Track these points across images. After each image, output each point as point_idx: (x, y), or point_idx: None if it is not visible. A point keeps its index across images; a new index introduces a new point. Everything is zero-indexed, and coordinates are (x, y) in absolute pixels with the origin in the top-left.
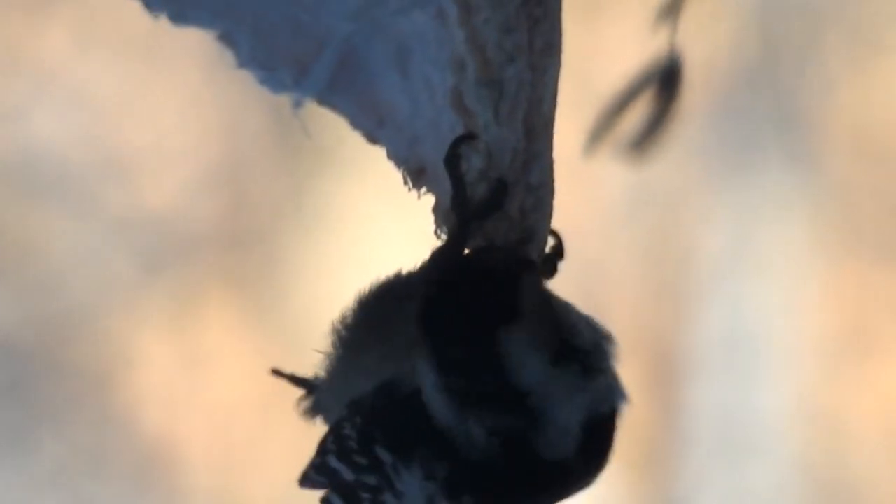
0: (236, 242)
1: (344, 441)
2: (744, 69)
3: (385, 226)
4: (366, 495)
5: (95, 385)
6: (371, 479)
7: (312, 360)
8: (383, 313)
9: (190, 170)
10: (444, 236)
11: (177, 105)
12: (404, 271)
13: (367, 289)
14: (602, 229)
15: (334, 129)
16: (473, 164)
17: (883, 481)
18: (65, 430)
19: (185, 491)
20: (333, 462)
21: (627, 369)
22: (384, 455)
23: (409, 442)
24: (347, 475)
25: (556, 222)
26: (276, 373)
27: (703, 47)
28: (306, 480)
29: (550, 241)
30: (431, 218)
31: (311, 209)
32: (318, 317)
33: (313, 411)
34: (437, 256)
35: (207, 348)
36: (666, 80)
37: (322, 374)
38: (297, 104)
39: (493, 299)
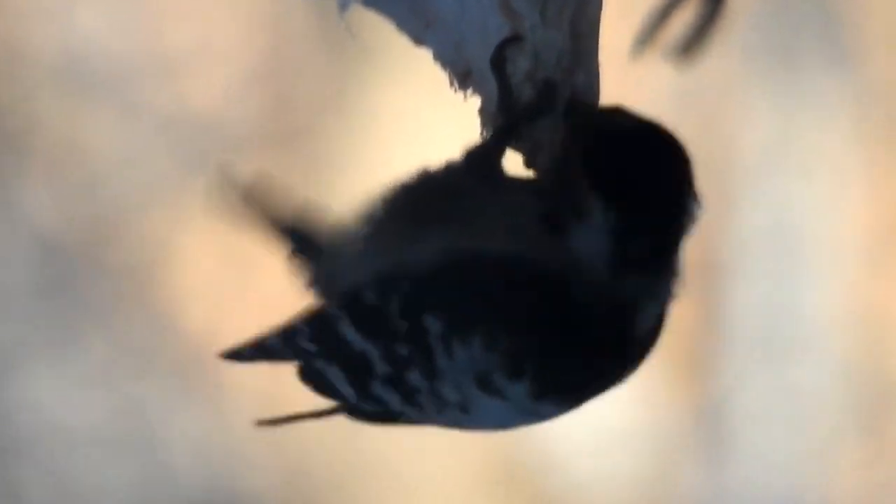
0: (280, 142)
1: (366, 308)
2: None
3: (430, 127)
4: (384, 368)
5: (140, 284)
6: (402, 349)
7: None
8: (424, 199)
9: (234, 69)
10: (487, 136)
11: (222, 4)
12: (445, 163)
13: (402, 179)
14: None
15: (380, 31)
16: (520, 65)
17: None
18: (110, 329)
19: (230, 387)
20: (345, 329)
21: None
22: (433, 324)
23: (475, 310)
24: (360, 344)
25: None
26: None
27: None
28: (256, 351)
29: None
30: (478, 119)
31: (356, 109)
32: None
33: (312, 279)
34: (474, 152)
35: (250, 246)
36: None
37: (340, 245)
38: (344, 6)
39: (675, 157)
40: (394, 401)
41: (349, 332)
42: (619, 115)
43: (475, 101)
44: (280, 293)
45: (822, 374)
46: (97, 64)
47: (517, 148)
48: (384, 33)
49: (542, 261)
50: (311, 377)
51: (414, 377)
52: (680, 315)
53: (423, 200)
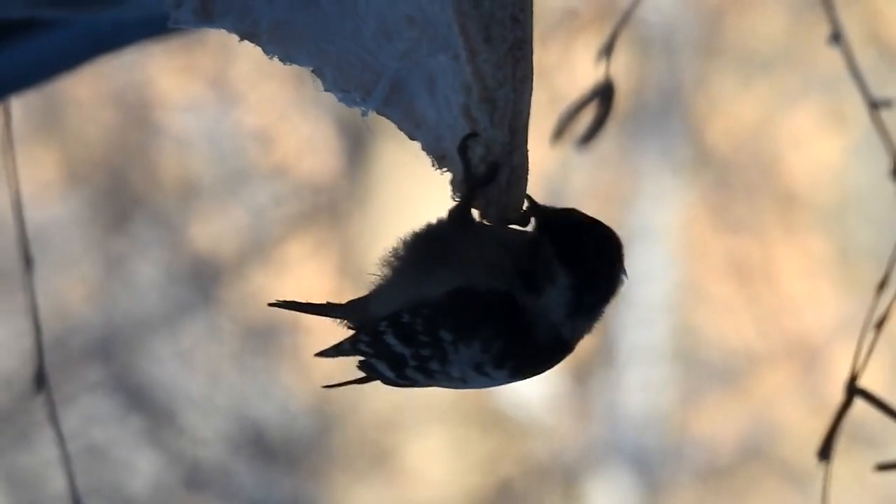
0: (335, 204)
1: (402, 325)
2: (654, 93)
3: (421, 192)
4: (413, 362)
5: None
6: (426, 351)
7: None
8: (427, 248)
9: (291, 158)
10: (457, 198)
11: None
12: (434, 220)
13: (410, 233)
14: (554, 197)
15: (389, 131)
16: (476, 152)
17: None
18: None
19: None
20: (389, 339)
21: None
22: (446, 335)
23: (473, 326)
24: (399, 348)
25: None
26: (280, 304)
27: (627, 76)
28: (336, 351)
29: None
30: (450, 188)
31: (373, 184)
32: (377, 251)
33: (355, 321)
34: (453, 211)
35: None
36: (603, 97)
37: (373, 290)
38: (364, 114)
39: (612, 244)
40: (419, 378)
41: (392, 340)
42: (574, 213)
43: (448, 176)
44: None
45: (665, 358)
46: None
47: (475, 206)
48: (391, 132)
49: (502, 290)
50: (367, 367)
51: (433, 365)
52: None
53: (426, 248)
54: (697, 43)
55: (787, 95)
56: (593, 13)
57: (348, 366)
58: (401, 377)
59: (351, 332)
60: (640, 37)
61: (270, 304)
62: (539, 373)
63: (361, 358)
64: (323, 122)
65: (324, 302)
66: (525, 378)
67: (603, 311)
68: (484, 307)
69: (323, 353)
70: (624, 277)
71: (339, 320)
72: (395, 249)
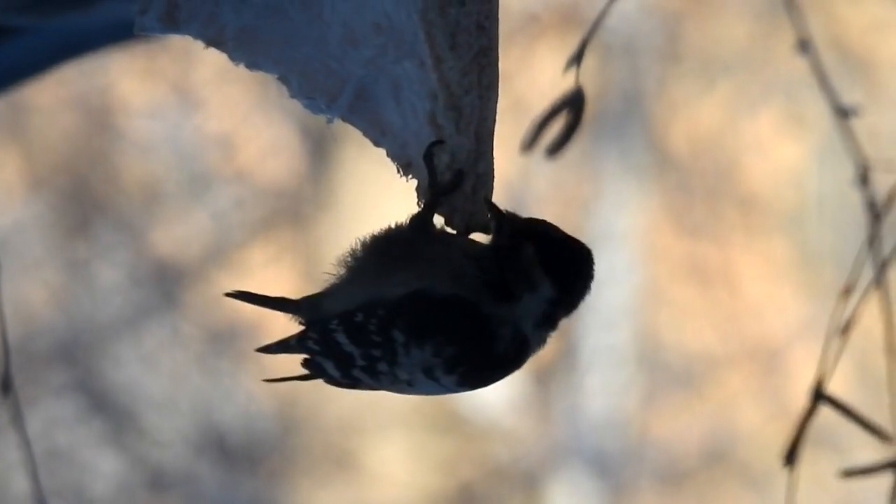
0: (297, 208)
1: (355, 325)
2: (616, 97)
3: (385, 197)
4: (361, 362)
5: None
6: (376, 352)
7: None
8: (387, 250)
9: (254, 156)
10: (422, 204)
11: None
12: (394, 224)
13: (369, 235)
14: (515, 201)
15: (353, 136)
16: (442, 159)
17: None
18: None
19: (264, 363)
20: (339, 337)
21: None
22: (399, 336)
23: (429, 329)
24: (349, 347)
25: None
26: (234, 294)
27: (590, 81)
28: (280, 347)
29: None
30: (415, 195)
31: (337, 188)
32: (339, 248)
33: (307, 318)
34: (416, 217)
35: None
36: (573, 106)
37: (327, 288)
38: (329, 121)
39: (592, 263)
40: (364, 378)
41: (342, 339)
42: (550, 225)
43: (413, 182)
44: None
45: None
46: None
47: (440, 212)
48: (356, 139)
49: (464, 297)
50: (312, 365)
51: (381, 366)
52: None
53: (387, 250)
54: (659, 48)
55: (748, 100)
56: (554, 18)
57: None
58: (345, 377)
59: (296, 325)
60: (603, 42)
61: (226, 294)
62: (488, 384)
63: (307, 357)
64: (286, 127)
65: (278, 297)
66: (472, 388)
67: (559, 322)
68: (443, 312)
69: (266, 349)
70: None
71: (293, 317)
72: (352, 250)
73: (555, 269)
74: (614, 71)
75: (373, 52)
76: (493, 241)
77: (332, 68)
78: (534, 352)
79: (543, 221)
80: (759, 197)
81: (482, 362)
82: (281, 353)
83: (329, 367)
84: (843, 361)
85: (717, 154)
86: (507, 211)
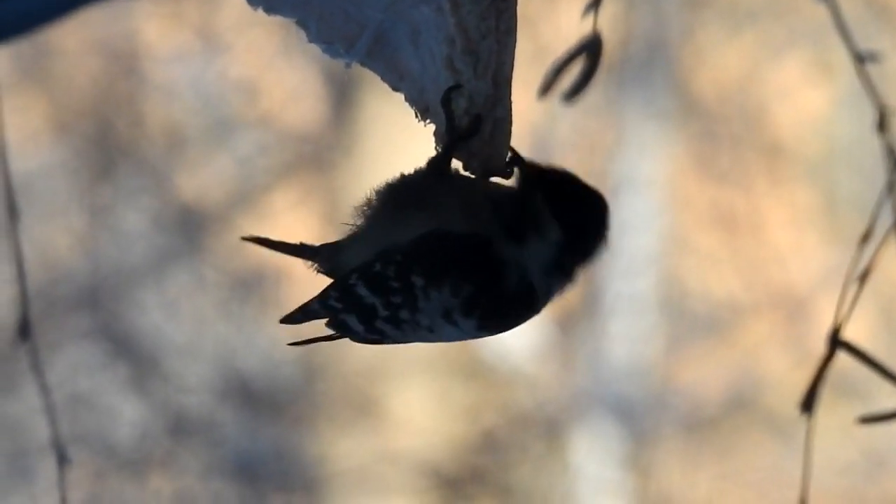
0: (320, 153)
1: (374, 275)
2: (640, 44)
3: (407, 142)
4: (383, 312)
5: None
6: (396, 298)
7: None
8: (403, 195)
9: (279, 102)
10: (440, 150)
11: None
12: (411, 170)
13: (384, 183)
14: (539, 148)
15: (375, 82)
16: (460, 104)
17: None
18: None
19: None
20: (360, 290)
21: None
22: (418, 280)
23: (445, 267)
24: (370, 298)
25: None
26: (252, 239)
27: (613, 27)
28: (303, 314)
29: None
30: (433, 139)
31: (359, 133)
32: (362, 194)
33: (323, 269)
34: (433, 161)
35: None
36: (590, 51)
37: (345, 239)
38: (348, 66)
39: (607, 211)
40: (388, 330)
41: (363, 291)
42: (566, 172)
43: (431, 127)
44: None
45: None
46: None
47: (458, 157)
48: (375, 83)
49: (481, 235)
50: (336, 324)
51: (403, 314)
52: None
53: (402, 196)
54: None
55: (772, 47)
56: None
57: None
58: (370, 330)
59: (318, 276)
60: None
61: (243, 238)
62: (506, 328)
63: (330, 316)
64: (309, 72)
65: (297, 243)
66: (491, 332)
67: (579, 275)
68: (457, 249)
69: (288, 319)
70: (606, 246)
71: (311, 264)
72: (368, 199)
73: (563, 212)
74: (638, 17)
75: None
76: (518, 184)
77: (349, 13)
78: (543, 299)
79: (560, 168)
80: (784, 144)
81: (497, 303)
82: (304, 320)
83: (353, 322)
84: (866, 308)
85: (742, 101)
86: (527, 159)
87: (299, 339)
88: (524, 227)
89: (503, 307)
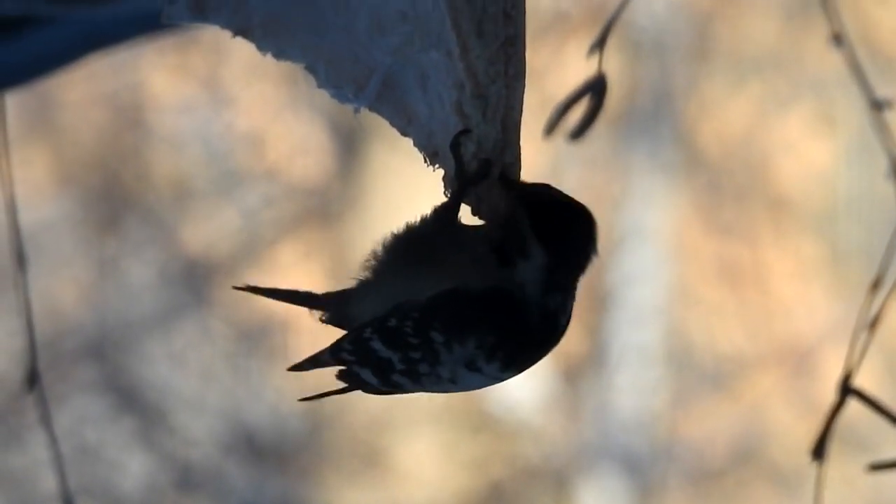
0: (326, 206)
1: (389, 330)
2: (646, 96)
3: (413, 195)
4: (401, 366)
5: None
6: (416, 354)
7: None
8: (412, 249)
9: (285, 151)
10: (448, 194)
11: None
12: (417, 219)
13: (390, 234)
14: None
15: (382, 134)
16: (469, 149)
17: None
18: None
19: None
20: (375, 344)
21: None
22: (438, 336)
23: (470, 325)
24: (386, 353)
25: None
26: (246, 288)
27: (620, 78)
28: (312, 363)
29: None
30: (441, 186)
31: (366, 187)
32: (368, 247)
33: (330, 320)
34: (441, 208)
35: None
36: (596, 91)
37: (353, 290)
38: (356, 111)
39: (587, 221)
40: (405, 383)
41: (378, 345)
42: (548, 189)
43: (438, 178)
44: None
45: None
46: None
47: (467, 202)
48: (383, 127)
49: (504, 288)
50: (348, 376)
51: (423, 367)
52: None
53: (412, 250)
54: (689, 46)
55: (777, 99)
56: (584, 15)
57: (333, 371)
58: (386, 383)
59: (324, 325)
60: (632, 40)
61: (235, 287)
62: (531, 362)
63: (341, 367)
64: (316, 124)
65: (291, 289)
66: (516, 370)
67: (576, 287)
68: (482, 306)
69: (298, 367)
70: (596, 254)
71: (314, 313)
72: (375, 251)
73: (545, 233)
74: (644, 69)
75: (399, 40)
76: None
77: (359, 57)
78: (561, 322)
79: (544, 185)
80: (788, 196)
81: (521, 343)
82: (313, 368)
83: (367, 375)
84: (873, 358)
85: (746, 153)
86: (516, 182)
87: (307, 393)
88: (510, 251)
89: (527, 345)
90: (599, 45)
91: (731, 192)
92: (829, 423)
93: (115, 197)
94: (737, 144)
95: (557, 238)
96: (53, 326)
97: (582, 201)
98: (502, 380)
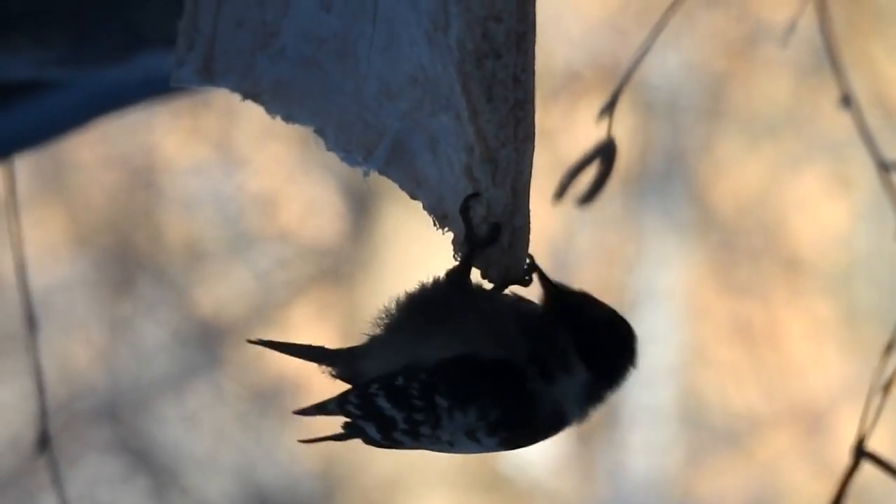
0: (338, 267)
1: (395, 389)
2: (659, 156)
3: (426, 256)
4: (403, 426)
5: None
6: (419, 416)
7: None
8: (425, 310)
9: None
10: (458, 258)
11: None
12: (429, 281)
13: (404, 293)
14: (558, 259)
15: (394, 194)
16: (478, 212)
17: None
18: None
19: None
20: (381, 402)
21: None
22: (442, 401)
23: (473, 394)
24: (390, 411)
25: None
26: (260, 342)
27: (633, 138)
28: (318, 410)
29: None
30: (451, 248)
31: (378, 247)
32: (382, 302)
33: (339, 375)
34: (452, 272)
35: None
36: (605, 156)
37: (363, 346)
38: (366, 174)
39: (631, 341)
40: (405, 440)
41: (383, 403)
42: (589, 300)
43: (450, 239)
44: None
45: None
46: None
47: (476, 265)
48: (393, 191)
49: (512, 362)
50: (352, 428)
51: (424, 429)
52: None
53: (424, 310)
54: (702, 106)
55: (791, 159)
56: (597, 76)
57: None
58: (386, 439)
59: (335, 383)
60: (645, 100)
61: (249, 342)
62: (529, 445)
63: (347, 420)
64: (328, 185)
65: (306, 344)
66: (513, 448)
67: (608, 399)
68: (487, 377)
69: (303, 412)
70: (635, 370)
71: (324, 369)
72: (387, 309)
73: (590, 355)
74: (657, 129)
75: (409, 104)
76: (542, 308)
77: (368, 121)
78: (573, 424)
79: (585, 296)
80: (803, 256)
81: (524, 427)
82: (318, 415)
83: (370, 429)
84: (888, 419)
85: (760, 213)
86: (553, 281)
87: (320, 455)
88: (552, 363)
89: (531, 430)
90: (609, 108)
91: (744, 251)
92: (843, 487)
93: (128, 258)
94: (751, 204)
95: (603, 359)
96: (67, 387)
97: (595, 262)
98: (496, 451)
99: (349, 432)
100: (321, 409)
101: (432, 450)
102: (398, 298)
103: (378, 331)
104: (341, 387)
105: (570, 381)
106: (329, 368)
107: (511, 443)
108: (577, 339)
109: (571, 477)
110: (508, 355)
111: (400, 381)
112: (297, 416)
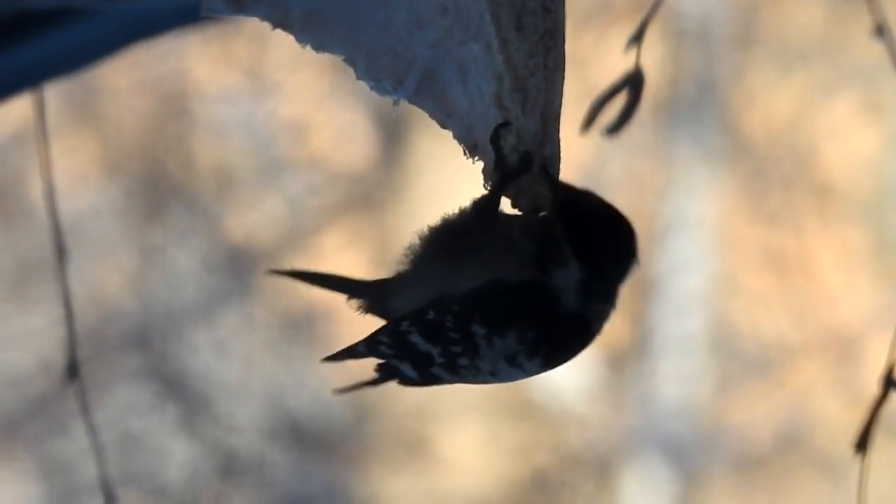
0: (370, 194)
1: (428, 323)
2: (690, 84)
3: (457, 183)
4: (441, 360)
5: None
6: (456, 348)
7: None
8: (451, 242)
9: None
10: (488, 187)
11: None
12: (455, 212)
13: (428, 227)
14: (588, 187)
15: (425, 121)
16: (508, 141)
17: None
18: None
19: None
20: (415, 338)
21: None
22: (479, 329)
23: (509, 318)
24: (425, 346)
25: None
26: (286, 273)
27: (664, 67)
28: (347, 354)
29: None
30: (481, 177)
31: (410, 174)
32: (412, 234)
33: (368, 309)
34: (481, 201)
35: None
36: (633, 86)
37: (391, 282)
38: (396, 103)
39: (625, 236)
40: (444, 375)
41: (417, 339)
42: (590, 198)
43: (480, 164)
44: None
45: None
46: None
47: (506, 195)
48: (423, 120)
49: (541, 282)
50: (386, 369)
51: (462, 361)
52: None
53: (450, 243)
54: (734, 34)
55: (823, 87)
56: (627, 4)
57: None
58: (424, 376)
59: (368, 318)
60: (676, 28)
61: (275, 272)
62: (567, 359)
63: (380, 361)
64: (359, 112)
65: (332, 274)
66: (554, 366)
67: (616, 296)
68: (520, 299)
69: (332, 358)
70: (636, 266)
71: (350, 300)
72: (413, 244)
73: (581, 247)
74: (689, 57)
75: (439, 34)
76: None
77: (398, 51)
78: (592, 325)
79: (585, 193)
80: (834, 184)
81: (558, 339)
82: (348, 359)
83: (406, 368)
84: None
85: (792, 141)
86: (561, 182)
87: (351, 380)
88: (549, 258)
89: (565, 342)
90: (638, 37)
91: (776, 180)
92: (872, 417)
93: (159, 185)
94: (782, 132)
95: (593, 253)
96: (97, 314)
97: (626, 190)
98: (541, 374)
99: (384, 375)
100: (351, 353)
101: (473, 382)
102: (423, 232)
103: (405, 266)
104: (370, 318)
105: (565, 275)
106: (357, 302)
107: (551, 360)
108: (571, 234)
109: (602, 405)
110: (534, 274)
111: (431, 314)
112: (327, 344)
